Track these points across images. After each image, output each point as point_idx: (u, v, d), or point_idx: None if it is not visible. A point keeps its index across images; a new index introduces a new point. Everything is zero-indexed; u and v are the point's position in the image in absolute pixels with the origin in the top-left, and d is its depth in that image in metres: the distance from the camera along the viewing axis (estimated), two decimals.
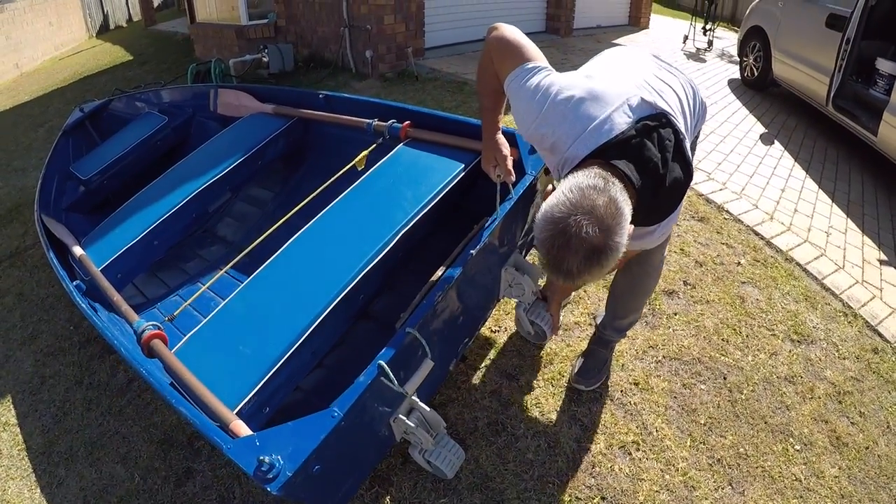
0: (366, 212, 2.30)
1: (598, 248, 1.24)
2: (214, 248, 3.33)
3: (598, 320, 2.45)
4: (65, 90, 9.01)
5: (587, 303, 2.86)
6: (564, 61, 6.91)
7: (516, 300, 2.05)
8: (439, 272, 1.99)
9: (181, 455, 2.30)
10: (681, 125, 1.54)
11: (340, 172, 2.64)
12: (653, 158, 1.41)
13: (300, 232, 2.29)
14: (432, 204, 2.26)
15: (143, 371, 1.81)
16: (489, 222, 2.02)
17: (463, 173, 2.39)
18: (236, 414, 1.67)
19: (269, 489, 1.31)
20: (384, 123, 2.81)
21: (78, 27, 17.26)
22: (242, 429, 1.55)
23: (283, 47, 7.25)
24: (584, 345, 2.56)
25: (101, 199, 3.61)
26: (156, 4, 16.68)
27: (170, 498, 2.16)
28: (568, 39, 8.52)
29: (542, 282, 1.93)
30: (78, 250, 2.69)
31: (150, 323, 2.01)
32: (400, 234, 2.15)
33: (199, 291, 2.48)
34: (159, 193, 2.99)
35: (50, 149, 3.88)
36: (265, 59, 7.10)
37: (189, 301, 2.42)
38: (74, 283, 2.48)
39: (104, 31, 17.91)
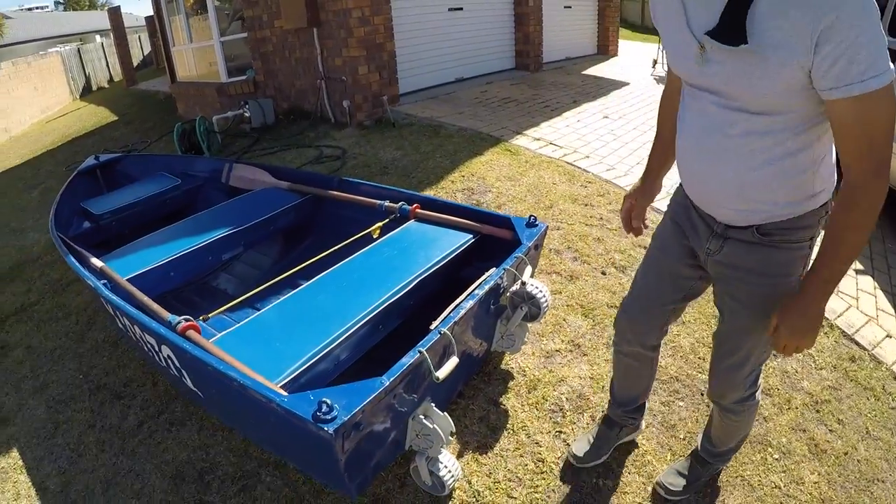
0: (385, 263, 2.64)
1: None
2: (214, 299, 3.46)
3: (699, 438, 2.20)
4: (54, 152, 9.23)
5: (567, 330, 2.96)
6: (535, 96, 7.14)
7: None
8: (462, 296, 2.20)
9: (193, 489, 2.39)
10: None
11: (356, 236, 3.00)
12: None
13: (328, 271, 2.61)
14: (442, 263, 2.62)
15: (185, 347, 1.99)
16: (502, 266, 2.37)
17: (468, 244, 2.76)
18: None
19: (326, 428, 1.54)
20: (395, 204, 3.17)
21: (62, 90, 17.83)
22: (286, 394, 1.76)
23: (264, 102, 7.49)
24: (564, 371, 2.70)
25: (105, 237, 3.80)
26: (135, 64, 17.11)
27: None
28: (538, 74, 8.79)
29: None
30: (97, 262, 2.87)
31: (185, 317, 2.21)
32: (415, 282, 2.47)
33: (233, 302, 2.63)
34: (180, 233, 3.28)
35: (62, 185, 4.15)
36: (247, 115, 7.34)
37: (224, 308, 2.59)
38: (102, 282, 2.65)
39: (87, 92, 18.55)
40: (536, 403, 2.55)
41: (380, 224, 3.06)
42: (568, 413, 2.50)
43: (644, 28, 18.64)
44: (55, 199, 3.84)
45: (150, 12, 18.47)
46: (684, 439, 2.38)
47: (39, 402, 3.11)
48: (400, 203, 3.15)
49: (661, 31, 1.52)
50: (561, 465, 2.28)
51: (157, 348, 2.30)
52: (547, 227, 2.73)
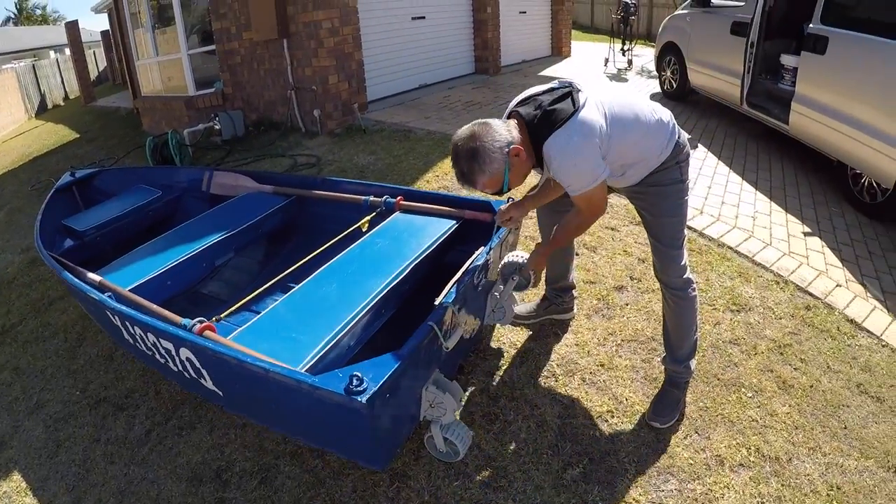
0: (379, 254, 2.76)
1: (471, 150, 2.00)
2: (207, 306, 3.44)
3: (663, 360, 2.64)
4: (17, 172, 8.98)
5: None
6: (496, 98, 7.42)
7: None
8: (460, 272, 2.38)
9: (211, 488, 2.45)
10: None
11: (345, 232, 3.06)
12: (539, 100, 2.11)
13: (327, 265, 2.70)
14: (432, 249, 2.75)
15: (207, 345, 2.06)
16: (490, 243, 2.56)
17: (452, 229, 2.90)
18: None
19: (359, 399, 1.67)
20: (379, 199, 3.27)
21: (17, 109, 17.19)
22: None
23: (233, 114, 7.55)
24: (551, 342, 2.97)
25: (91, 254, 3.70)
26: (91, 80, 16.75)
27: None
28: (497, 77, 9.09)
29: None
30: (95, 277, 2.84)
31: (198, 319, 2.26)
32: (409, 269, 2.61)
33: (250, 296, 2.69)
34: (171, 243, 3.28)
35: (42, 204, 4.05)
36: (217, 127, 7.38)
37: (235, 307, 2.63)
38: (106, 293, 2.65)
39: (43, 110, 17.88)
40: (531, 372, 2.79)
41: (367, 218, 3.14)
42: (560, 377, 2.75)
43: (594, 29, 19.08)
44: (37, 218, 3.75)
45: (105, 27, 18.15)
46: None
47: (36, 423, 3.05)
48: (384, 197, 3.25)
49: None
50: (560, 422, 2.51)
51: (174, 352, 2.31)
52: None
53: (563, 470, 2.31)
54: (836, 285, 3.43)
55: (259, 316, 2.39)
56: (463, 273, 2.37)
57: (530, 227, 3.95)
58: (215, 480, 2.48)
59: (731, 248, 3.72)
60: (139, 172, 4.60)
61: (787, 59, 5.37)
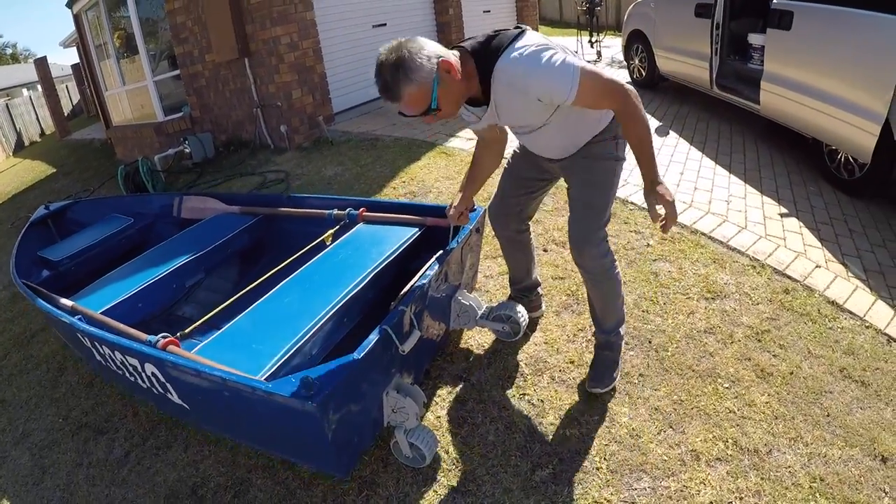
0: (340, 265, 2.75)
1: (396, 59, 1.87)
2: (182, 325, 3.48)
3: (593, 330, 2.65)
4: None
5: None
6: None
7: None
8: (417, 276, 2.37)
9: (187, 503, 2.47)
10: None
11: (309, 246, 3.07)
12: (477, 36, 2.05)
13: (289, 278, 2.70)
14: (393, 257, 2.74)
15: (170, 359, 2.09)
16: (449, 247, 2.56)
17: (415, 237, 2.90)
18: None
19: (310, 403, 1.67)
20: (343, 212, 3.27)
21: None
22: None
23: (202, 136, 7.50)
24: (520, 341, 2.87)
25: (66, 283, 3.74)
26: (66, 114, 16.78)
27: None
28: None
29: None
30: (67, 302, 2.89)
31: (163, 334, 2.28)
32: (370, 276, 2.59)
33: (210, 314, 2.68)
34: (142, 266, 3.33)
35: (17, 237, 4.14)
36: (187, 150, 7.33)
37: (198, 322, 2.66)
38: (76, 317, 2.69)
39: (20, 148, 18.09)
40: (498, 373, 2.69)
41: (331, 232, 3.13)
42: (529, 377, 2.64)
43: (563, 23, 19.04)
44: (12, 251, 3.85)
45: (75, 60, 18.20)
46: (639, 383, 2.55)
47: (22, 452, 3.10)
48: (347, 209, 3.26)
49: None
50: (529, 423, 2.42)
51: (140, 368, 2.36)
52: (485, 209, 2.86)
53: (533, 471, 2.23)
54: (816, 266, 3.33)
55: (222, 329, 2.40)
56: (419, 277, 2.35)
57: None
58: (191, 497, 2.48)
59: (704, 234, 3.61)
60: (112, 202, 4.66)
61: (755, 38, 5.31)
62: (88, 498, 2.65)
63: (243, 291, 2.78)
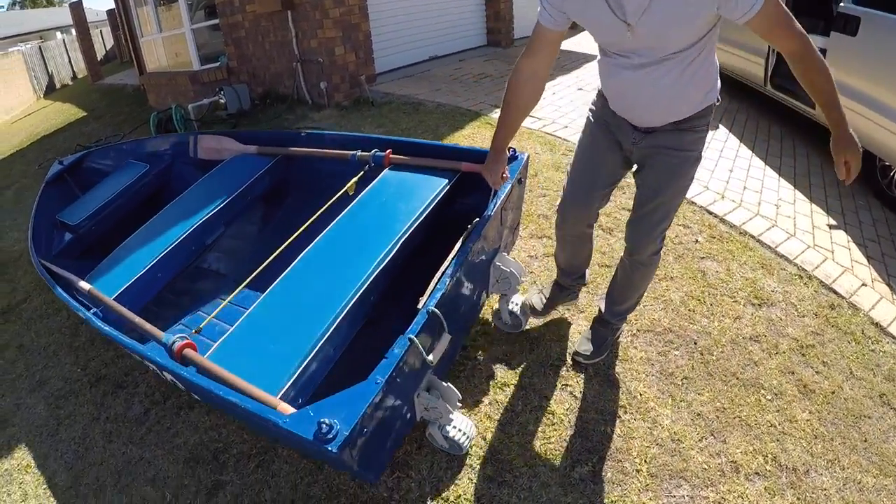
0: (366, 227, 2.54)
1: None
2: (209, 282, 3.44)
3: (601, 304, 2.65)
4: (25, 152, 9.01)
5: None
6: (510, 71, 7.04)
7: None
8: (447, 262, 2.17)
9: (208, 469, 2.42)
10: None
11: (334, 199, 2.84)
12: None
13: (308, 248, 2.49)
14: (425, 215, 2.51)
15: (185, 375, 1.95)
16: (483, 220, 2.29)
17: (447, 188, 2.65)
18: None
19: (329, 448, 1.52)
20: (367, 153, 3.03)
21: (25, 90, 17.53)
22: (289, 409, 1.72)
23: (239, 87, 7.43)
24: (563, 328, 2.82)
25: (88, 244, 3.71)
26: (99, 58, 16.72)
27: None
28: (510, 50, 8.81)
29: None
30: (85, 285, 2.78)
31: (178, 335, 2.14)
32: (401, 242, 2.39)
33: (223, 304, 2.59)
34: (158, 230, 3.17)
35: (34, 202, 3.97)
36: (222, 101, 7.28)
37: (214, 313, 2.56)
38: (91, 311, 2.58)
39: (51, 90, 18.19)
40: (541, 360, 2.65)
41: (354, 179, 2.92)
42: (572, 367, 2.61)
43: None
44: (30, 220, 3.74)
45: (111, 5, 18.13)
46: (682, 385, 2.51)
47: (38, 400, 3.06)
48: (372, 151, 3.02)
49: (583, 22, 1.93)
50: (570, 416, 2.38)
51: (159, 373, 2.30)
52: (528, 157, 2.68)
53: (572, 468, 2.19)
54: (862, 284, 3.25)
55: (236, 324, 2.25)
56: (450, 262, 2.15)
57: (543, 206, 3.78)
58: (212, 462, 2.44)
59: (753, 236, 3.54)
60: (127, 147, 4.49)
61: (816, 40, 5.10)
62: (104, 454, 2.62)
63: (258, 270, 2.58)
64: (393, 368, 1.71)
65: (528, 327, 2.83)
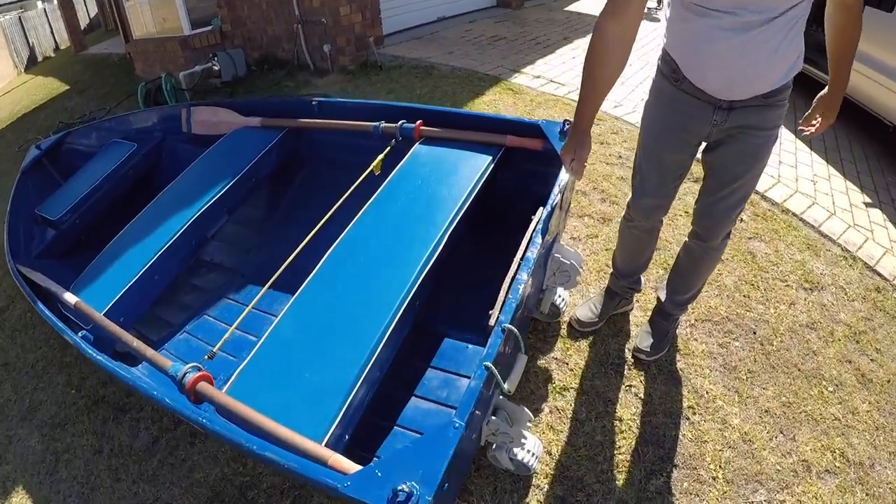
0: (402, 215, 2.21)
1: None
2: (212, 277, 3.14)
3: (661, 294, 2.54)
4: (4, 132, 8.42)
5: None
6: (523, 33, 6.95)
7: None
8: (514, 265, 1.85)
9: None
10: None
11: (358, 181, 2.48)
12: None
13: (335, 245, 2.16)
14: (469, 201, 2.24)
15: (204, 420, 1.60)
16: (544, 213, 2.00)
17: (493, 164, 2.36)
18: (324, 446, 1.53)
19: None
20: (393, 125, 2.68)
21: (5, 64, 16.71)
22: (344, 462, 1.43)
23: (234, 52, 7.04)
24: (621, 322, 2.71)
25: (74, 240, 3.35)
26: (82, 27, 16.02)
27: None
28: (520, 11, 8.54)
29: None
30: (71, 298, 2.42)
31: (190, 365, 1.81)
32: (447, 236, 2.09)
33: (239, 319, 2.19)
34: (151, 225, 2.79)
35: (9, 194, 3.52)
36: (216, 68, 6.87)
37: (226, 336, 2.16)
38: (80, 334, 2.25)
39: (33, 64, 17.21)
40: (600, 359, 2.53)
41: (381, 156, 2.52)
42: (633, 365, 2.51)
43: None
44: (6, 219, 3.26)
45: None
46: (747, 379, 2.45)
47: (31, 431, 2.70)
48: (399, 122, 2.63)
49: None
50: (638, 421, 2.28)
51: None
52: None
53: (647, 480, 2.10)
54: None
55: (259, 345, 1.91)
56: (518, 267, 1.83)
57: (580, 181, 3.64)
58: (240, 500, 2.15)
59: (796, 215, 3.46)
60: (112, 124, 3.99)
61: None
62: (112, 496, 2.29)
63: (278, 272, 2.20)
64: (472, 406, 1.42)
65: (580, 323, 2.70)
